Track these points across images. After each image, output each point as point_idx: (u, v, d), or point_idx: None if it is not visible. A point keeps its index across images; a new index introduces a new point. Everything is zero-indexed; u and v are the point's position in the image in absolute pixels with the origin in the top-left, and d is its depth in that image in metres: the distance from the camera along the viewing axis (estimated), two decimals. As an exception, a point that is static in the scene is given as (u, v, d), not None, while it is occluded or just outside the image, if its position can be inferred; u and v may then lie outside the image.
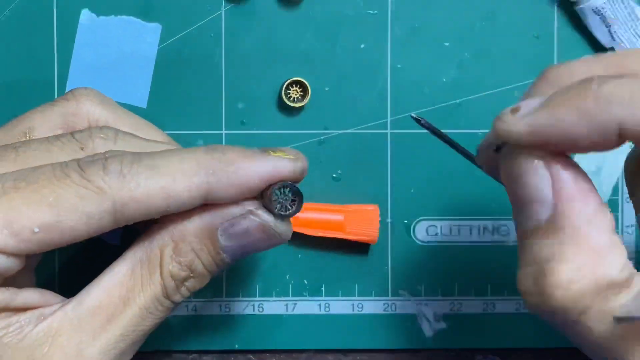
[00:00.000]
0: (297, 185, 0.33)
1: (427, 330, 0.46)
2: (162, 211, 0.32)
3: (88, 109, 0.37)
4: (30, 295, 0.33)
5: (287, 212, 0.33)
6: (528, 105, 0.29)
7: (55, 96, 0.45)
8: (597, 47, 0.46)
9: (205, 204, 0.33)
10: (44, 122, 0.37)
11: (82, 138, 0.34)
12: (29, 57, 0.45)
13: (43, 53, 0.45)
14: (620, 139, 0.28)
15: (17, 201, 0.30)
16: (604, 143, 0.28)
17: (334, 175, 0.46)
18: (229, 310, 0.46)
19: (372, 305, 0.46)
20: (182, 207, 0.32)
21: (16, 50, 0.44)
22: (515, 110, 0.30)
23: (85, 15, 0.45)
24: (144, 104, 0.45)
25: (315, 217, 0.45)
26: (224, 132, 0.45)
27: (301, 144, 0.45)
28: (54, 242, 0.31)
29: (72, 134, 0.34)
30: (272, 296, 0.46)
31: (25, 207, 0.30)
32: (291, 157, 0.33)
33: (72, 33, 0.44)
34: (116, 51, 0.45)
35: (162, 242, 0.33)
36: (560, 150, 0.29)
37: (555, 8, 0.46)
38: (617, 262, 0.28)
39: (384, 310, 0.46)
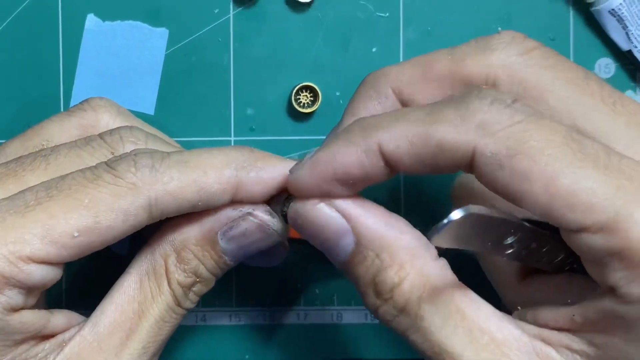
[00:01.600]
0: None
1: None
2: (194, 204, 0.32)
3: (107, 121, 0.37)
4: (59, 319, 0.33)
5: None
6: (310, 153, 0.31)
7: (61, 103, 0.44)
8: (614, 48, 0.45)
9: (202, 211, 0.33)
10: (62, 133, 0.37)
11: (113, 142, 0.34)
12: (34, 64, 0.44)
13: (48, 59, 0.44)
14: (388, 167, 0.30)
15: (53, 209, 0.30)
16: (374, 171, 0.30)
17: (346, 182, 0.45)
18: (239, 320, 0.45)
19: None
20: (213, 200, 0.32)
21: (21, 56, 0.44)
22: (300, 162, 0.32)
23: (91, 20, 0.44)
24: (151, 111, 0.45)
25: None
26: (232, 138, 0.45)
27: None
28: (94, 244, 0.31)
29: (101, 137, 0.34)
30: (283, 305, 0.45)
31: (62, 213, 0.30)
32: None
33: (78, 39, 0.44)
34: (123, 57, 0.44)
35: (164, 252, 0.33)
36: (339, 191, 0.31)
37: (571, 9, 0.45)
38: (431, 254, 0.31)
39: None
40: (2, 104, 0.44)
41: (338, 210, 0.31)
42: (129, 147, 0.34)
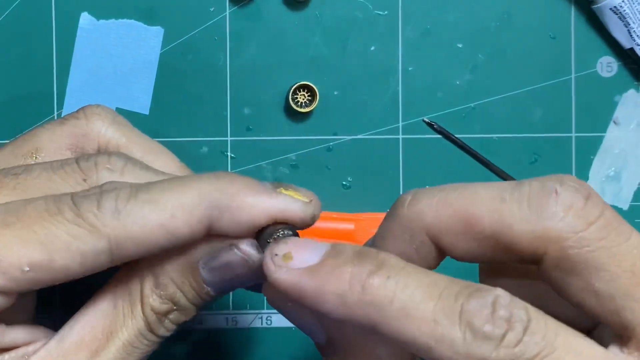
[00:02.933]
0: (298, 232, 0.31)
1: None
2: (164, 247, 0.30)
3: (99, 130, 0.36)
4: (18, 333, 0.31)
5: None
6: (301, 258, 0.28)
7: (55, 102, 0.44)
8: (616, 47, 0.45)
9: None
10: (51, 142, 0.35)
11: (87, 168, 0.32)
12: (27, 63, 0.44)
13: (41, 58, 0.44)
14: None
15: (6, 238, 0.29)
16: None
17: (344, 183, 0.45)
18: (236, 324, 0.44)
19: None
20: (182, 242, 0.30)
21: (14, 55, 0.44)
22: (287, 257, 0.28)
23: (85, 19, 0.44)
24: (146, 111, 0.44)
25: (325, 227, 0.44)
26: (229, 138, 0.44)
27: (309, 151, 0.45)
28: (46, 281, 0.29)
29: (77, 161, 0.33)
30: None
31: (15, 245, 0.29)
32: (304, 199, 0.31)
33: (72, 37, 0.44)
34: (117, 56, 0.44)
35: (142, 274, 0.31)
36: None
37: (572, 7, 0.45)
38: None
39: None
40: (-5, 104, 0.44)
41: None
42: (103, 175, 0.32)
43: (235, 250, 0.30)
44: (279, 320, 0.44)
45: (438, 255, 0.30)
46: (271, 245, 0.29)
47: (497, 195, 0.28)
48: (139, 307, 0.31)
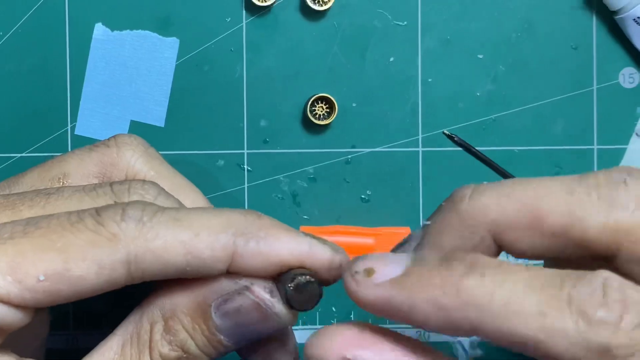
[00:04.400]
0: (322, 285, 0.30)
1: (463, 358, 0.44)
2: (182, 270, 0.29)
3: (129, 161, 0.35)
4: None
5: (295, 306, 0.29)
6: (385, 272, 0.27)
7: (68, 115, 0.43)
8: (638, 57, 0.44)
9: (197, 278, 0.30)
10: (79, 168, 0.35)
11: (120, 191, 0.32)
12: (40, 74, 0.43)
13: (55, 70, 0.43)
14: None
15: (23, 246, 0.28)
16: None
17: (363, 196, 0.44)
18: None
19: (405, 334, 0.43)
20: (204, 268, 0.29)
21: (27, 66, 0.43)
22: (369, 272, 0.27)
23: (99, 30, 0.43)
24: (161, 123, 0.43)
25: (344, 241, 0.43)
26: (245, 151, 0.43)
27: (327, 164, 0.44)
28: (63, 294, 0.28)
29: (111, 184, 0.32)
30: (298, 325, 0.44)
31: (31, 253, 0.28)
32: (334, 246, 0.30)
33: (86, 49, 0.43)
34: (132, 67, 0.43)
35: (152, 317, 0.30)
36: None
37: (594, 18, 0.44)
38: None
39: (417, 338, 0.43)
40: (8, 115, 0.43)
41: None
42: (134, 199, 0.31)
43: (248, 293, 0.29)
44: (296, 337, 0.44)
45: (496, 251, 0.28)
46: (348, 264, 0.27)
47: (565, 188, 0.27)
48: (147, 352, 0.30)
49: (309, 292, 0.29)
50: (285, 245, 0.29)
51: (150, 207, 0.29)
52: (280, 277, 0.29)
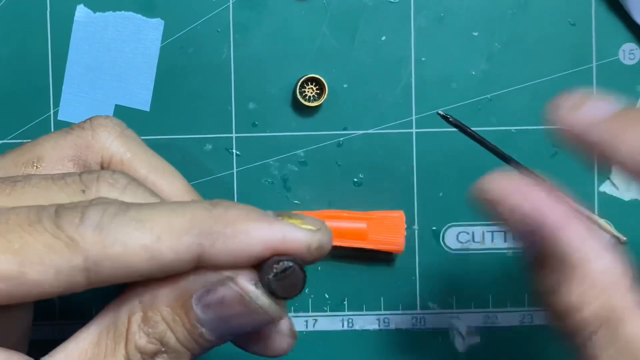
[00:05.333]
0: (304, 267, 0.28)
1: (460, 345, 0.44)
2: (146, 274, 0.28)
3: (104, 143, 0.34)
4: None
5: (280, 294, 0.28)
6: (593, 110, 0.31)
7: (51, 100, 0.43)
8: (639, 33, 0.43)
9: None
10: (54, 151, 0.34)
11: (88, 180, 0.31)
12: (20, 59, 0.42)
13: (36, 53, 0.42)
14: None
15: None
16: None
17: (355, 179, 0.43)
18: None
19: (400, 320, 0.44)
20: (167, 270, 0.28)
21: (7, 50, 0.42)
22: (578, 107, 0.31)
23: (81, 11, 0.42)
24: (146, 107, 0.43)
25: (336, 226, 0.42)
26: (234, 135, 0.43)
27: (318, 147, 0.43)
28: (18, 296, 0.27)
29: (80, 174, 0.31)
30: (290, 312, 0.43)
31: None
32: (311, 227, 0.28)
33: (67, 31, 0.42)
34: (115, 50, 0.42)
35: (130, 307, 0.29)
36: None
37: (593, -8, 0.43)
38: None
39: (413, 325, 0.44)
40: (-12, 102, 0.43)
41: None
42: (102, 189, 0.30)
43: (231, 284, 0.28)
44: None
45: None
46: (558, 101, 0.31)
47: None
48: (122, 345, 0.28)
49: (291, 278, 0.27)
50: (256, 239, 0.27)
51: (112, 207, 0.28)
52: (261, 265, 0.28)
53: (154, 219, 0.27)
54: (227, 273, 0.28)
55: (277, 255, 0.27)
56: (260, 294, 0.28)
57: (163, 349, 0.28)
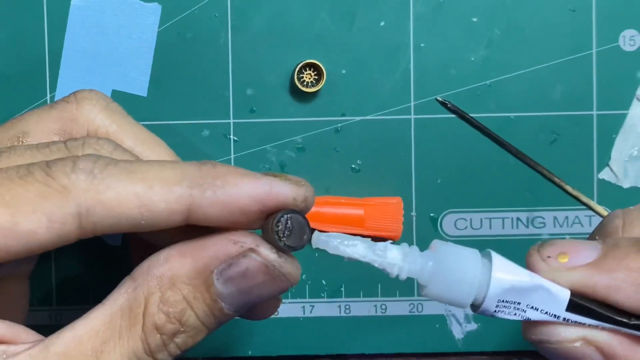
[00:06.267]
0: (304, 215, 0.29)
1: (457, 332, 0.44)
2: (136, 223, 0.28)
3: (88, 116, 0.34)
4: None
5: (292, 244, 0.28)
6: (580, 256, 0.29)
7: (47, 85, 0.42)
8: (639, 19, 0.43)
9: (194, 242, 0.29)
10: (38, 125, 0.34)
11: (73, 147, 0.31)
12: (16, 44, 0.42)
13: (32, 39, 0.42)
14: None
15: None
16: None
17: (353, 166, 0.43)
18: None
19: (397, 306, 0.44)
20: (159, 221, 0.28)
21: (3, 35, 0.42)
22: (562, 256, 0.29)
23: None
24: (144, 92, 0.42)
25: (333, 212, 0.42)
26: (232, 120, 0.43)
27: (316, 133, 0.43)
28: (12, 249, 0.27)
29: (65, 141, 0.32)
30: (287, 298, 0.43)
31: None
32: (295, 182, 0.29)
33: (64, 15, 0.42)
34: (112, 35, 0.42)
35: (147, 287, 0.29)
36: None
37: (593, -23, 0.43)
38: None
39: (410, 312, 0.44)
40: (-16, 87, 0.42)
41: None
42: (89, 152, 0.31)
43: (254, 255, 0.28)
44: (285, 311, 0.43)
45: None
46: (538, 248, 0.29)
47: None
48: (139, 325, 0.28)
49: (295, 224, 0.28)
50: (245, 190, 0.28)
51: (103, 159, 0.28)
52: (264, 232, 0.29)
53: (145, 171, 0.28)
54: (249, 244, 0.28)
55: (270, 216, 0.28)
56: (283, 262, 0.28)
57: (182, 329, 0.29)
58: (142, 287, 0.29)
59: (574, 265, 0.29)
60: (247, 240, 0.29)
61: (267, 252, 0.28)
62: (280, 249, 0.28)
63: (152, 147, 0.35)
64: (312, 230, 0.29)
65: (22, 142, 0.34)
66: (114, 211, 0.27)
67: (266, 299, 0.29)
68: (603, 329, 0.28)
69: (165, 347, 0.29)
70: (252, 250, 0.28)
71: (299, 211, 0.28)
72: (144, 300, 0.29)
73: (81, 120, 0.34)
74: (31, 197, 0.27)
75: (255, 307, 0.32)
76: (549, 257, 0.29)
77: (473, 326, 0.43)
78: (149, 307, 0.28)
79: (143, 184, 0.28)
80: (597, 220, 0.43)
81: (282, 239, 0.28)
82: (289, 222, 0.28)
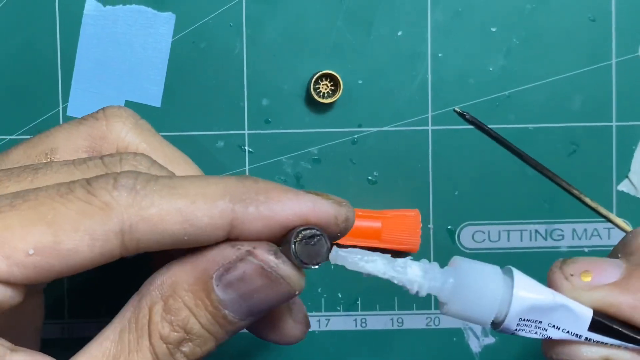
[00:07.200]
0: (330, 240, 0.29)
1: (475, 346, 0.43)
2: (179, 239, 0.28)
3: (119, 133, 0.34)
4: (21, 357, 0.28)
5: (303, 259, 0.28)
6: (603, 275, 0.29)
7: (60, 96, 0.42)
8: (660, 29, 0.42)
9: (195, 250, 0.29)
10: (67, 143, 0.34)
11: (111, 163, 0.31)
12: (29, 53, 0.42)
13: (45, 48, 0.42)
14: None
15: (11, 220, 0.27)
16: None
17: (370, 177, 0.43)
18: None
19: (414, 320, 0.43)
20: (203, 237, 0.28)
21: (15, 45, 0.42)
22: (586, 274, 0.29)
23: (91, 5, 0.42)
24: (157, 103, 0.42)
25: (350, 225, 0.41)
26: (246, 132, 0.42)
27: (332, 144, 0.43)
28: (55, 268, 0.27)
29: (102, 157, 0.31)
30: (303, 312, 0.42)
31: (19, 227, 0.27)
32: (338, 201, 0.29)
33: (77, 25, 0.42)
34: (125, 44, 0.42)
35: (151, 298, 0.29)
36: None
37: (613, -13, 0.42)
38: None
39: (427, 325, 0.43)
40: (-4, 98, 0.42)
41: None
42: (127, 169, 0.30)
43: (251, 258, 0.28)
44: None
45: None
46: (561, 265, 0.29)
47: None
48: (145, 338, 0.28)
49: (317, 244, 0.28)
50: (288, 206, 0.28)
51: (144, 175, 0.28)
52: (284, 237, 0.28)
53: (186, 187, 0.28)
54: (245, 247, 0.28)
55: (300, 227, 0.28)
56: (281, 263, 0.28)
57: (187, 337, 0.28)
58: (145, 297, 0.29)
59: (597, 284, 0.29)
60: (244, 243, 0.28)
61: (263, 254, 0.28)
62: (290, 256, 0.28)
63: (181, 166, 0.34)
64: (332, 245, 0.28)
65: (51, 158, 0.33)
66: (157, 227, 0.27)
67: (270, 305, 0.29)
68: (626, 348, 0.28)
69: (173, 357, 0.28)
70: (249, 252, 0.28)
71: (328, 236, 0.28)
72: (148, 310, 0.28)
73: (111, 137, 0.34)
74: (73, 215, 0.27)
75: (275, 326, 0.32)
76: (571, 275, 0.29)
77: (490, 340, 0.43)
78: (153, 316, 0.28)
79: (185, 200, 0.27)
80: (616, 233, 0.42)
81: (297, 248, 0.28)
82: (314, 238, 0.28)
